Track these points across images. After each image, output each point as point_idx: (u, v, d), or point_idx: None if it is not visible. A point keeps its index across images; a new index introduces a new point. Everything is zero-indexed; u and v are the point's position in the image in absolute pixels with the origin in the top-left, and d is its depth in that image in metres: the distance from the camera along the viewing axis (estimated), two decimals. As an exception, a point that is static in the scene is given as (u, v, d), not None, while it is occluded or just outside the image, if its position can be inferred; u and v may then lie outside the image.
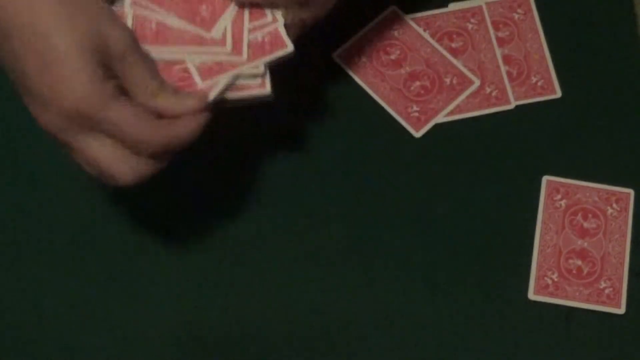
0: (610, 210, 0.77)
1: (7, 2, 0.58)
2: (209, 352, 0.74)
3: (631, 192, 0.77)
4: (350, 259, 0.76)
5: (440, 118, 0.80)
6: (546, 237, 0.76)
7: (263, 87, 0.66)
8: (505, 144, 0.79)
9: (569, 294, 0.74)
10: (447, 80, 0.81)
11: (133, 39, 0.62)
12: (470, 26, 0.83)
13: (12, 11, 0.58)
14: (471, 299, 0.75)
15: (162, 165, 0.64)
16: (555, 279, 0.75)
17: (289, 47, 0.66)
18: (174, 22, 0.65)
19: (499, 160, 0.79)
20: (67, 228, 0.77)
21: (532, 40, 0.82)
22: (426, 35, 0.82)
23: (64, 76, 0.59)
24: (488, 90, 0.81)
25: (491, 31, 0.83)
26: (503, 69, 0.81)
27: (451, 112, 0.80)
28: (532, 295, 0.74)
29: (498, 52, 0.82)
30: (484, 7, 0.83)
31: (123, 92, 0.61)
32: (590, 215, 0.77)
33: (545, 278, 0.75)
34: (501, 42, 0.82)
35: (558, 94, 0.81)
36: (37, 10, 0.58)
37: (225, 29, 0.66)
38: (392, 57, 0.82)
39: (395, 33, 0.82)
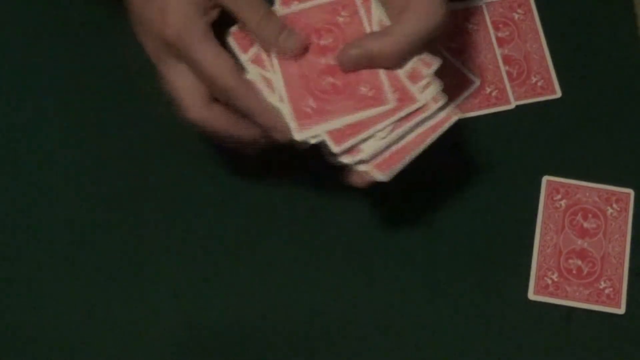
0: (610, 211, 0.77)
1: None
2: (209, 352, 0.74)
3: (631, 192, 0.77)
4: (350, 259, 0.76)
5: (440, 118, 0.80)
6: (546, 237, 0.76)
7: (455, 114, 0.68)
8: (505, 144, 0.79)
9: (569, 294, 0.74)
10: (448, 81, 0.81)
11: None
12: (470, 26, 0.83)
13: None
14: (471, 299, 0.75)
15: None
16: (555, 279, 0.75)
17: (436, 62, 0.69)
18: (351, 118, 0.67)
19: (499, 160, 0.79)
20: (67, 228, 0.77)
21: (532, 40, 0.82)
22: (426, 35, 0.82)
23: (164, 9, 0.65)
24: (488, 90, 0.81)
25: (491, 31, 0.83)
26: (503, 69, 0.81)
27: (451, 112, 0.80)
28: (532, 295, 0.74)
29: (498, 52, 0.82)
30: (484, 7, 0.83)
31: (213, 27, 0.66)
32: (590, 215, 0.77)
33: (545, 278, 0.75)
34: (501, 42, 0.82)
35: (558, 94, 0.81)
36: None
37: (392, 91, 0.67)
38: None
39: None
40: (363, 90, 0.68)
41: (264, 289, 0.75)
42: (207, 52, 0.65)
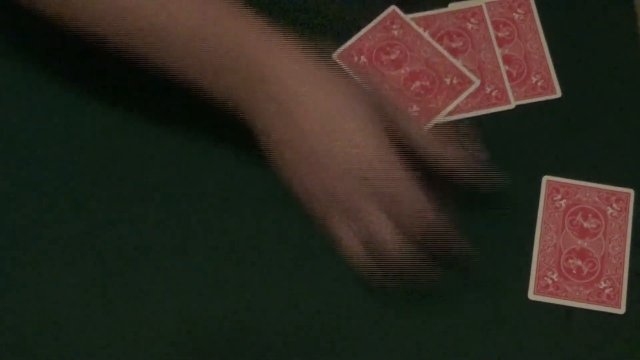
0: (610, 210, 0.77)
1: (304, 99, 0.66)
2: (209, 352, 0.74)
3: (631, 192, 0.77)
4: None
5: (440, 118, 0.80)
6: (546, 237, 0.76)
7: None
8: (505, 144, 0.79)
9: (569, 294, 0.74)
10: (447, 80, 0.81)
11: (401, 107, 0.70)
12: (470, 26, 0.83)
13: (305, 100, 0.66)
14: (471, 299, 0.75)
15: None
16: (555, 279, 0.75)
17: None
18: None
19: (499, 160, 0.79)
20: (67, 228, 0.77)
21: (532, 40, 0.82)
22: (426, 35, 0.82)
23: (357, 143, 0.64)
24: (488, 90, 0.81)
25: (491, 31, 0.83)
26: (503, 69, 0.81)
27: (451, 112, 0.80)
28: (532, 295, 0.74)
29: (498, 52, 0.82)
30: (484, 7, 0.83)
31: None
32: (590, 215, 0.77)
33: (545, 278, 0.75)
34: (501, 42, 0.82)
35: (558, 94, 0.81)
36: (328, 96, 0.66)
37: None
38: (392, 57, 0.82)
39: (395, 33, 0.82)
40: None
41: (264, 289, 0.75)
42: (403, 180, 0.66)
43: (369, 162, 0.65)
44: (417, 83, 0.81)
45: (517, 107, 0.80)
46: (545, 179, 0.78)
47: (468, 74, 0.81)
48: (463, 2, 0.83)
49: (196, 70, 0.68)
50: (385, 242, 0.67)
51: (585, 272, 0.75)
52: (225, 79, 0.68)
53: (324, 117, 0.65)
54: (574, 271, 0.75)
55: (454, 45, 0.82)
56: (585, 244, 0.76)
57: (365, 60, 0.81)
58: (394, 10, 0.83)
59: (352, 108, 0.66)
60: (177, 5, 0.67)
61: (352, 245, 0.68)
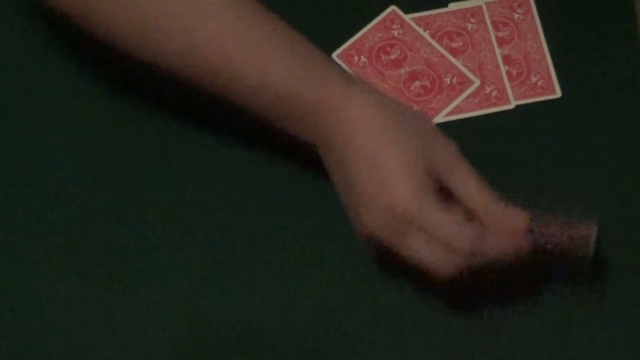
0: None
1: (354, 137, 0.70)
2: (209, 352, 0.74)
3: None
4: (350, 259, 0.76)
5: (440, 118, 0.80)
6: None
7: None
8: (505, 144, 0.79)
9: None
10: (447, 80, 0.81)
11: (458, 152, 0.71)
12: (470, 26, 0.83)
13: (357, 145, 0.70)
14: (471, 299, 0.75)
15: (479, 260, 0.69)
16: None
17: None
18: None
19: (498, 160, 0.79)
20: (67, 228, 0.77)
21: (532, 40, 0.82)
22: (426, 35, 0.82)
23: (391, 187, 0.68)
24: (488, 90, 0.81)
25: (491, 31, 0.83)
26: (503, 69, 0.81)
27: (451, 112, 0.80)
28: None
29: (498, 52, 0.82)
30: (484, 7, 0.83)
31: (446, 198, 0.70)
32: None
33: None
34: (501, 42, 0.82)
35: (558, 94, 0.81)
36: (377, 142, 0.69)
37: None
38: (392, 57, 0.82)
39: (395, 33, 0.82)
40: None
41: (264, 289, 0.75)
42: (438, 217, 0.68)
43: (399, 204, 0.68)
44: (417, 83, 0.81)
45: (517, 107, 0.80)
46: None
47: (468, 74, 0.81)
48: (463, 2, 0.83)
49: (269, 116, 0.72)
50: (421, 261, 0.69)
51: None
52: (298, 125, 0.72)
53: (370, 164, 0.69)
54: None
55: (454, 45, 0.82)
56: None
57: (365, 60, 0.81)
58: (394, 11, 0.83)
59: (399, 154, 0.69)
60: (269, 68, 0.71)
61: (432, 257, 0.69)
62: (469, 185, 0.70)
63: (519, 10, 0.83)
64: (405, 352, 0.74)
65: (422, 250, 0.68)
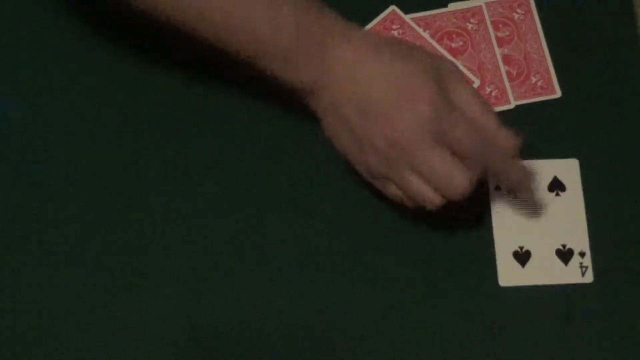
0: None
1: (354, 74, 0.70)
2: (209, 352, 0.74)
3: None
4: (350, 259, 0.76)
5: (440, 118, 0.80)
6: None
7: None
8: (505, 144, 0.79)
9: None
10: (447, 80, 0.81)
11: (457, 68, 0.73)
12: (470, 26, 0.83)
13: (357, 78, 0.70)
14: (471, 299, 0.75)
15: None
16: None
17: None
18: None
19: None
20: (67, 228, 0.77)
21: (532, 40, 0.82)
22: (426, 35, 0.82)
23: (391, 117, 0.69)
24: (488, 90, 0.81)
25: (491, 31, 0.83)
26: (503, 69, 0.81)
27: (451, 112, 0.80)
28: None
29: (498, 52, 0.82)
30: (484, 7, 0.83)
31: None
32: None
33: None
34: (501, 42, 0.82)
35: (558, 94, 0.81)
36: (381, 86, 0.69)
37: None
38: (392, 57, 0.82)
39: (395, 33, 0.82)
40: None
41: (264, 289, 0.75)
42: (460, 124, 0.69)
43: (433, 108, 0.68)
44: (417, 83, 0.81)
45: (517, 107, 0.80)
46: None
47: (468, 74, 0.81)
48: (463, 2, 0.83)
49: (275, 64, 0.72)
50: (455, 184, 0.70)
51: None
52: (301, 66, 0.71)
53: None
54: None
55: (454, 45, 0.82)
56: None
57: None
58: (394, 11, 0.83)
59: (414, 68, 0.70)
60: (277, 22, 0.71)
61: (423, 191, 0.70)
62: (462, 89, 0.71)
63: (518, 10, 0.83)
64: (405, 352, 0.74)
65: (438, 164, 0.69)
